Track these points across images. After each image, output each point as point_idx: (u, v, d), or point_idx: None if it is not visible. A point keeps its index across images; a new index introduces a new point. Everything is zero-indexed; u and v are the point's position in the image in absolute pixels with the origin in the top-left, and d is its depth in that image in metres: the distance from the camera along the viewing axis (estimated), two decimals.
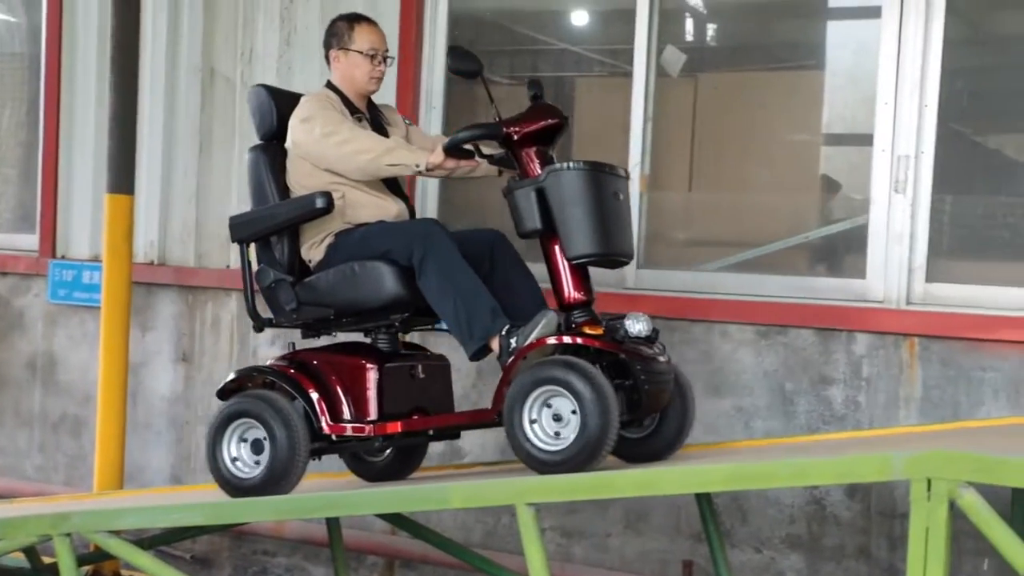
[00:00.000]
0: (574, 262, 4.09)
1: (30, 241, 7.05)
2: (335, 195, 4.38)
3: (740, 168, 5.68)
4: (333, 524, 4.89)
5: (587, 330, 4.05)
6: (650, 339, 4.09)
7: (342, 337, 4.63)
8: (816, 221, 5.55)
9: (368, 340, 4.57)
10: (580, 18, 6.43)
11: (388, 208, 4.55)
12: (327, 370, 4.35)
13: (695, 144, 5.74)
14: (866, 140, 5.18)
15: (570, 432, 3.87)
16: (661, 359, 4.08)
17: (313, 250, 4.49)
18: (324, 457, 4.50)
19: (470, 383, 5.66)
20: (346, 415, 4.31)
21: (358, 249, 4.37)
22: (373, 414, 4.32)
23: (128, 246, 6.02)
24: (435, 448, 5.31)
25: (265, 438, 4.26)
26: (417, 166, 4.35)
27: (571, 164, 4.09)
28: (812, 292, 5.25)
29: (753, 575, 5.25)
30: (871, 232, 5.12)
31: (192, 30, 6.51)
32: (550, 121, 4.25)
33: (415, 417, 4.41)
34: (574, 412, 3.85)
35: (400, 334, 4.64)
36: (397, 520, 4.79)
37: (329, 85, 4.67)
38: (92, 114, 6.78)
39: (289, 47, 6.27)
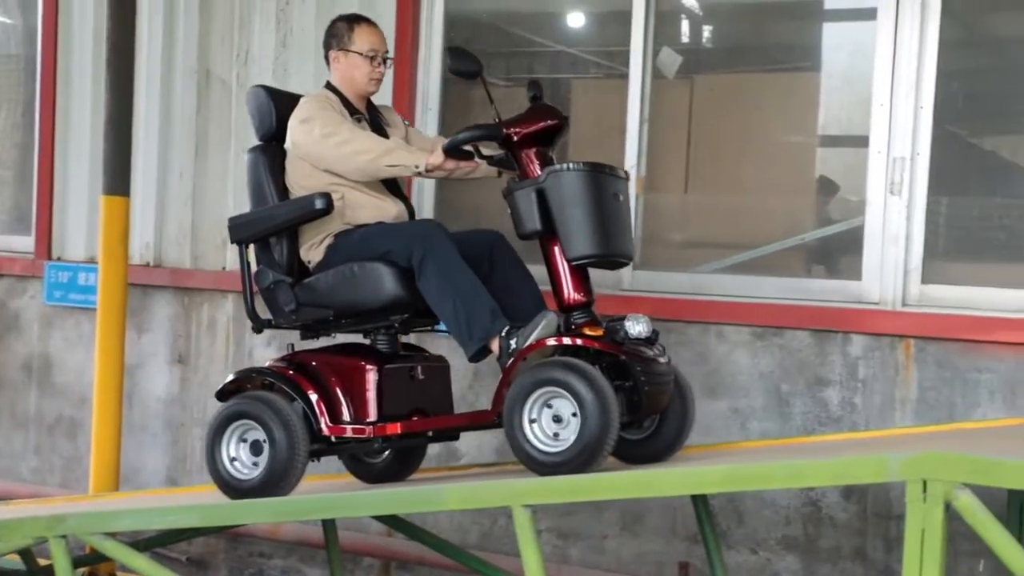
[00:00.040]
0: (574, 263, 4.09)
1: (26, 243, 7.04)
2: (334, 196, 4.37)
3: (736, 170, 5.68)
4: (329, 526, 4.88)
5: (587, 331, 4.05)
6: (650, 340, 4.09)
7: (341, 338, 4.63)
8: (812, 223, 5.55)
9: (367, 341, 4.56)
10: (576, 20, 6.43)
11: (388, 209, 4.55)
12: (326, 371, 4.34)
13: (691, 146, 5.74)
14: (862, 142, 5.19)
15: (570, 433, 3.87)
16: (661, 360, 4.08)
17: (312, 251, 4.49)
18: (323, 459, 4.49)
19: (467, 384, 5.65)
20: (345, 416, 4.30)
21: (357, 250, 4.36)
22: (372, 415, 4.31)
23: (124, 248, 6.01)
24: (431, 449, 5.30)
25: (264, 439, 4.24)
26: (417, 167, 4.35)
27: (571, 165, 4.09)
28: (808, 294, 5.26)
29: None
30: (867, 234, 5.13)
31: (188, 32, 6.51)
32: (550, 122, 4.25)
33: (415, 418, 4.41)
34: (574, 414, 3.85)
35: (399, 335, 4.63)
36: (393, 522, 4.79)
37: (328, 86, 4.66)
38: (88, 116, 6.77)
39: (285, 49, 6.26)
